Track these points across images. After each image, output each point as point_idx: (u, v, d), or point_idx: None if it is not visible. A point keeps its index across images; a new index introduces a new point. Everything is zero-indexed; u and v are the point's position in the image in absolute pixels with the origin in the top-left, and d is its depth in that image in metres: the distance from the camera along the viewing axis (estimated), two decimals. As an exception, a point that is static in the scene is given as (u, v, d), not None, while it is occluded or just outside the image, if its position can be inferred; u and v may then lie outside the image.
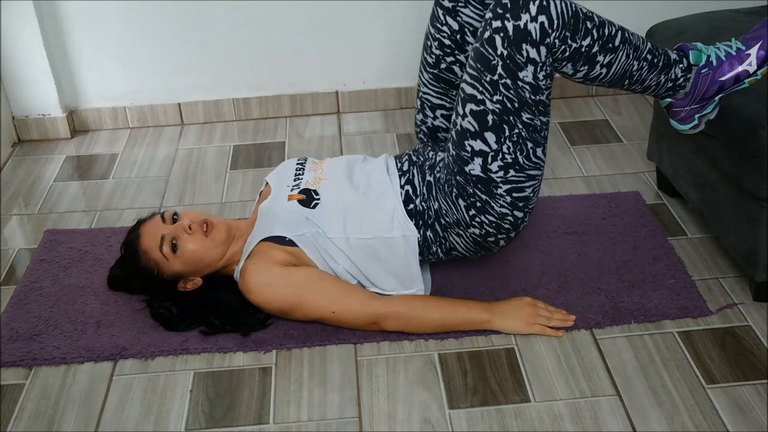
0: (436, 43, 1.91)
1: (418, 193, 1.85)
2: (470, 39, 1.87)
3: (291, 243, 1.80)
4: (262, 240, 1.81)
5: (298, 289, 1.79)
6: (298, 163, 2.00)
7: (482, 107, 1.67)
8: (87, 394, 1.75)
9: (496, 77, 1.64)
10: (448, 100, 1.95)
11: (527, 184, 1.74)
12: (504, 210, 1.75)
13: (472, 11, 1.85)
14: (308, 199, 1.87)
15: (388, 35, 2.81)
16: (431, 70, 1.95)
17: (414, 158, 1.93)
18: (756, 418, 1.61)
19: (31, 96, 2.76)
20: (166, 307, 1.90)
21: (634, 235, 2.13)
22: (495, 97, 1.65)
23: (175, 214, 1.89)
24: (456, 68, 1.91)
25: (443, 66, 1.92)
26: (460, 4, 1.87)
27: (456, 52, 1.89)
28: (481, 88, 1.66)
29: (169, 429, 1.66)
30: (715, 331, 1.83)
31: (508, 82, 1.63)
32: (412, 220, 1.83)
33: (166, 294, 1.90)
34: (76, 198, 2.48)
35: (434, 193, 1.83)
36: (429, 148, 1.97)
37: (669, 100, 1.82)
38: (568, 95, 2.93)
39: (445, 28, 1.89)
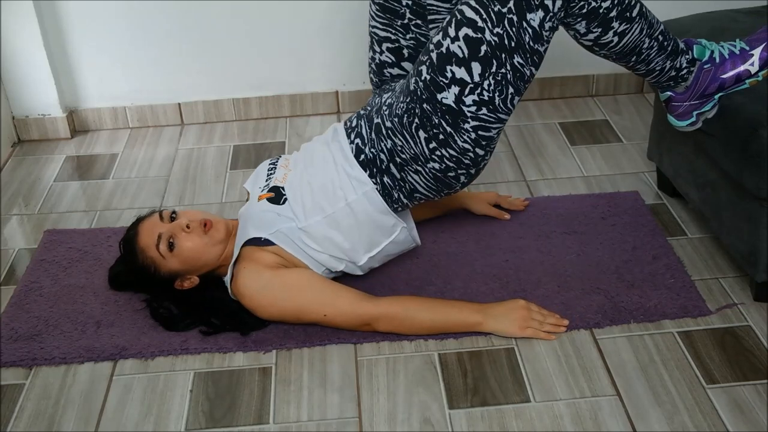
0: None
1: (366, 140, 1.81)
2: None
3: (268, 242, 1.80)
4: (243, 246, 1.82)
5: (289, 293, 1.79)
6: (270, 164, 2.01)
7: (479, 35, 1.61)
8: (87, 394, 1.75)
9: (504, 9, 1.59)
10: (393, 31, 1.89)
11: (495, 125, 1.71)
12: (466, 146, 1.72)
13: None
14: (277, 196, 1.87)
15: (388, 35, 2.81)
16: (378, 1, 1.89)
17: (362, 112, 1.89)
18: (756, 418, 1.61)
19: (31, 96, 2.76)
20: (166, 307, 1.90)
21: (633, 235, 2.13)
22: (496, 30, 1.60)
23: (174, 212, 1.89)
24: None
25: None
26: None
27: None
28: (484, 15, 1.60)
29: (169, 429, 1.66)
30: (715, 331, 1.83)
31: (514, 18, 1.59)
32: (366, 171, 1.80)
33: (164, 292, 1.90)
34: (76, 198, 2.48)
35: (384, 133, 1.78)
36: (376, 95, 1.93)
37: (669, 93, 1.82)
38: (568, 95, 2.93)
39: None
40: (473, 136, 1.70)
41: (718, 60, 1.75)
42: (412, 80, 1.72)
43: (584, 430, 1.60)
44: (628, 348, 1.79)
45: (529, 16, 1.59)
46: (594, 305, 1.90)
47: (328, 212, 1.81)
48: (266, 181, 1.94)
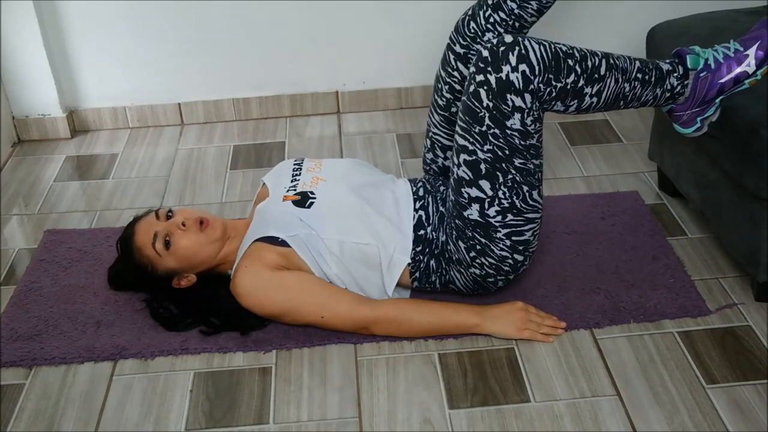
0: (446, 87, 1.94)
1: (431, 221, 1.85)
2: None
3: (284, 243, 1.80)
4: (256, 240, 1.82)
5: (288, 294, 1.78)
6: (295, 164, 2.00)
7: (474, 157, 1.69)
8: (87, 394, 1.75)
9: (484, 128, 1.65)
10: None
11: (526, 227, 1.75)
12: (504, 253, 1.77)
13: None
14: (303, 199, 1.86)
15: (388, 35, 2.81)
16: (442, 113, 1.97)
17: (428, 187, 1.94)
18: (756, 418, 1.61)
19: (31, 96, 2.76)
20: (166, 307, 1.90)
21: (633, 235, 2.13)
22: (485, 147, 1.67)
23: (170, 211, 1.89)
24: None
25: (454, 110, 1.94)
26: (471, 51, 1.89)
27: None
28: (471, 139, 1.68)
29: (169, 429, 1.66)
30: (715, 331, 1.83)
31: (497, 131, 1.65)
32: (419, 246, 1.83)
33: (162, 291, 1.90)
34: (76, 198, 2.48)
35: (444, 226, 1.84)
36: (439, 181, 1.98)
37: (670, 105, 1.82)
38: (568, 95, 2.92)
39: (456, 73, 1.92)
40: (508, 243, 1.75)
41: (713, 66, 1.74)
42: (447, 199, 1.81)
43: (584, 430, 1.60)
44: (628, 348, 1.79)
45: (508, 123, 1.64)
46: (594, 305, 1.90)
47: (358, 240, 1.81)
48: (292, 181, 1.93)
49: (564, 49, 1.64)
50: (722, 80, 1.74)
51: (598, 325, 1.85)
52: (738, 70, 1.74)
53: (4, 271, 2.15)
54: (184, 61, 2.80)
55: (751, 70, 1.74)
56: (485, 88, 1.62)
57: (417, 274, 1.85)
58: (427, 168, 2.07)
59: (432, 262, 1.84)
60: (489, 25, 1.90)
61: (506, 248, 1.76)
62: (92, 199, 2.47)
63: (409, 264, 1.83)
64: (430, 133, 2.03)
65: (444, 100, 1.96)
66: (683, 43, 1.94)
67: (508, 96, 1.62)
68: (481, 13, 1.91)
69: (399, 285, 1.87)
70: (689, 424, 1.60)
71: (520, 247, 1.77)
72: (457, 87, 1.92)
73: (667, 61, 1.76)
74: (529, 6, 1.89)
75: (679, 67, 1.74)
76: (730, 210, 1.92)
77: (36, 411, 1.71)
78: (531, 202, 1.73)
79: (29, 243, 2.27)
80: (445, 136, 1.99)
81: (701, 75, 1.74)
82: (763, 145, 1.74)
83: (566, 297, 1.93)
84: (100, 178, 2.59)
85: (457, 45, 1.92)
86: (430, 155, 2.05)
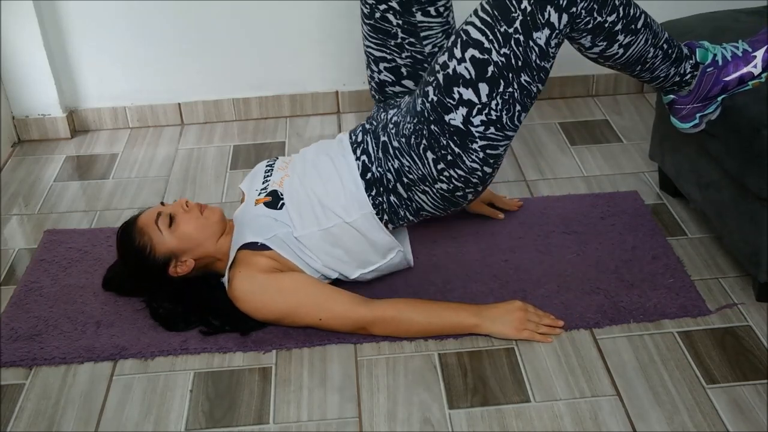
0: None
1: (373, 159, 1.81)
2: None
3: (264, 247, 1.80)
4: (239, 249, 1.82)
5: (284, 297, 1.78)
6: (267, 165, 2.00)
7: (486, 56, 1.61)
8: (87, 394, 1.75)
9: (511, 30, 1.59)
10: (388, 51, 1.91)
11: (502, 143, 1.71)
12: (474, 165, 1.72)
13: None
14: (274, 200, 1.86)
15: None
16: (368, 22, 1.90)
17: (368, 126, 1.89)
18: (756, 418, 1.61)
19: (31, 96, 2.76)
20: (166, 308, 1.90)
21: (633, 235, 2.13)
22: (503, 50, 1.60)
23: (175, 201, 1.91)
24: (390, 16, 1.86)
25: (377, 15, 1.87)
26: None
27: None
28: (491, 36, 1.60)
29: (169, 429, 1.66)
30: (715, 331, 1.83)
31: (521, 38, 1.59)
32: (372, 190, 1.80)
33: (159, 288, 1.89)
34: (76, 198, 2.48)
35: (392, 152, 1.78)
36: (381, 110, 1.94)
37: (672, 96, 1.82)
38: (568, 95, 2.93)
39: None
40: (481, 155, 1.71)
41: (720, 63, 1.74)
42: (419, 101, 1.72)
43: (584, 430, 1.60)
44: (628, 348, 1.79)
45: (535, 35, 1.59)
46: (594, 305, 1.90)
47: (325, 226, 1.81)
48: (263, 183, 1.93)
49: None
50: (727, 78, 1.74)
51: (598, 325, 1.85)
52: (744, 70, 1.74)
53: (4, 271, 2.15)
54: (184, 61, 2.81)
55: (756, 71, 1.74)
56: None
57: (386, 216, 1.83)
58: (370, 88, 2.01)
59: (392, 197, 1.81)
60: None
61: (478, 160, 1.71)
62: (92, 199, 2.47)
63: (372, 212, 1.81)
64: (364, 47, 1.96)
65: (368, 7, 1.88)
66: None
67: (549, 7, 1.56)
68: None
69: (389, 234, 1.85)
70: (689, 424, 1.60)
71: (491, 161, 1.73)
72: None
73: (685, 44, 1.76)
74: None
75: (693, 56, 1.74)
76: (732, 210, 1.92)
77: (36, 411, 1.71)
78: (516, 122, 1.70)
79: (29, 243, 2.27)
80: (375, 47, 1.92)
81: (708, 70, 1.74)
82: (764, 145, 1.74)
83: (566, 297, 1.93)
84: (100, 178, 2.59)
85: None
86: (368, 71, 1.99)
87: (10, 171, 2.65)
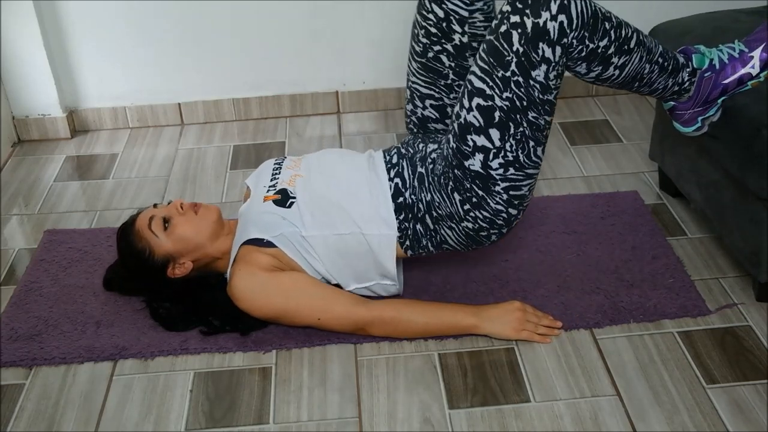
0: (422, 32, 1.89)
1: (408, 185, 1.82)
2: (456, 27, 1.85)
3: (270, 244, 1.80)
4: (242, 244, 1.82)
5: (284, 296, 1.78)
6: (275, 163, 2.00)
7: (490, 103, 1.64)
8: (87, 394, 1.75)
9: (508, 74, 1.60)
10: (437, 89, 1.93)
11: (525, 182, 1.73)
12: (499, 207, 1.74)
13: None
14: (284, 198, 1.86)
15: (387, 35, 2.81)
16: (419, 59, 1.93)
17: (403, 151, 1.91)
18: (756, 418, 1.61)
19: (31, 96, 2.76)
20: (166, 308, 1.90)
21: (632, 235, 2.13)
22: (505, 94, 1.62)
23: (169, 202, 1.91)
24: (443, 57, 1.89)
25: (430, 55, 1.90)
26: None
27: (442, 40, 1.87)
28: (491, 83, 1.62)
29: (169, 429, 1.66)
30: (715, 331, 1.83)
31: (520, 79, 1.61)
32: (401, 214, 1.81)
33: (157, 288, 1.89)
34: (76, 198, 2.48)
35: (426, 185, 1.80)
36: (419, 139, 1.95)
37: (672, 103, 1.81)
38: (568, 95, 2.93)
39: (431, 16, 1.86)
40: (505, 197, 1.73)
41: (717, 66, 1.74)
42: (445, 147, 1.76)
43: (584, 430, 1.60)
44: (628, 348, 1.79)
45: (533, 73, 1.60)
46: (594, 305, 1.90)
47: (339, 232, 1.80)
48: (272, 181, 1.93)
49: (603, 10, 1.61)
50: (726, 81, 1.74)
51: (598, 325, 1.85)
52: (742, 71, 1.74)
53: (4, 271, 2.15)
54: (184, 61, 2.81)
55: (755, 71, 1.74)
56: (519, 30, 1.57)
57: (407, 243, 1.83)
58: (408, 121, 2.03)
59: (418, 226, 1.81)
60: None
61: (502, 202, 1.73)
62: (92, 199, 2.47)
63: (397, 236, 1.81)
64: (409, 83, 1.98)
65: (420, 45, 1.90)
66: (685, 43, 1.94)
67: (541, 44, 1.57)
68: None
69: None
70: (689, 424, 1.60)
71: (516, 202, 1.74)
72: (433, 30, 1.87)
73: (680, 50, 1.76)
74: None
75: (689, 63, 1.74)
76: (732, 210, 1.92)
77: (36, 411, 1.71)
78: (534, 158, 1.71)
79: (29, 243, 2.27)
80: (423, 85, 1.94)
81: (705, 75, 1.74)
82: (764, 146, 1.74)
83: (566, 297, 1.93)
84: (100, 178, 2.59)
85: None
86: (410, 106, 2.00)
87: (10, 171, 2.65)
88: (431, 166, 1.81)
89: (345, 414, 1.67)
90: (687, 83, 1.75)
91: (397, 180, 1.84)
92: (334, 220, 1.80)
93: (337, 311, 1.79)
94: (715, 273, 2.00)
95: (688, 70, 1.74)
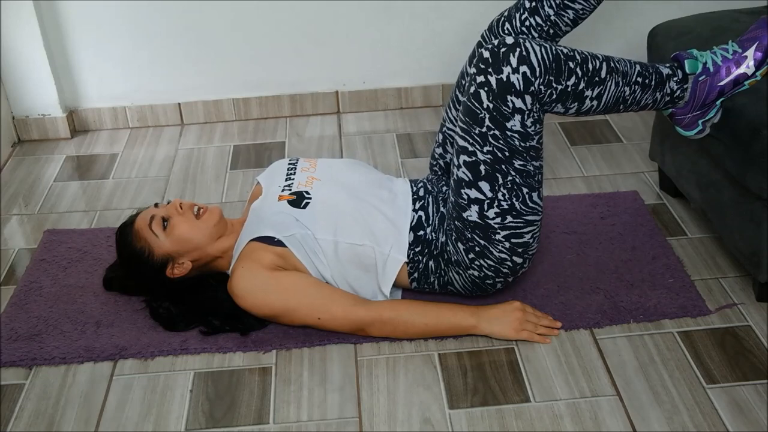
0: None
1: (431, 222, 1.85)
2: None
3: (280, 243, 1.80)
4: (251, 240, 1.82)
5: (284, 295, 1.78)
6: (289, 164, 2.00)
7: (474, 158, 1.69)
8: (87, 394, 1.75)
9: (484, 129, 1.65)
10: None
11: (525, 229, 1.75)
12: (503, 255, 1.76)
13: None
14: (299, 199, 1.86)
15: (388, 35, 2.81)
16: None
17: (429, 187, 1.94)
18: (756, 418, 1.61)
19: (31, 96, 2.76)
20: (166, 308, 1.90)
21: (632, 235, 2.13)
22: (485, 148, 1.67)
23: (169, 202, 1.91)
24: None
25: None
26: None
27: None
28: (471, 140, 1.68)
29: (169, 429, 1.66)
30: (715, 331, 1.83)
31: (497, 133, 1.65)
32: (418, 246, 1.83)
33: (157, 287, 1.89)
34: (76, 198, 2.48)
35: (444, 227, 1.83)
36: (443, 182, 1.98)
37: (671, 109, 1.82)
38: (568, 95, 2.92)
39: None
40: (507, 245, 1.75)
41: (712, 69, 1.74)
42: (448, 200, 1.80)
43: (584, 430, 1.60)
44: (628, 348, 1.79)
45: (508, 124, 1.64)
46: (594, 305, 1.90)
47: (353, 241, 1.81)
48: (287, 181, 1.93)
49: (565, 51, 1.64)
50: (722, 83, 1.74)
51: (598, 325, 1.85)
52: (737, 72, 1.74)
53: (4, 271, 2.15)
54: (184, 61, 2.80)
55: (750, 71, 1.73)
56: (485, 89, 1.62)
57: (416, 275, 1.85)
58: (434, 163, 2.07)
59: (431, 263, 1.84)
60: (524, 29, 1.90)
61: (505, 250, 1.76)
62: (92, 199, 2.47)
63: (407, 263, 1.83)
64: (444, 128, 2.02)
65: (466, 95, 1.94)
66: (684, 44, 1.95)
67: (509, 97, 1.61)
68: (518, 15, 1.91)
69: (395, 285, 1.86)
70: (689, 424, 1.60)
71: (519, 250, 1.77)
72: None
73: (668, 65, 1.76)
74: (566, 15, 1.89)
75: (679, 71, 1.74)
76: (732, 210, 1.92)
77: (36, 411, 1.71)
78: (531, 204, 1.73)
79: (29, 243, 2.27)
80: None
81: (700, 79, 1.74)
82: (764, 145, 1.74)
83: (566, 297, 1.93)
84: (100, 178, 2.59)
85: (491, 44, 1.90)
86: (439, 150, 2.04)
87: (10, 171, 2.65)
88: (447, 213, 1.83)
89: (345, 414, 1.67)
90: (678, 91, 1.75)
91: (420, 213, 1.86)
92: (349, 228, 1.81)
93: (337, 311, 1.79)
94: (715, 273, 2.00)
95: (675, 79, 1.74)
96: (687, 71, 1.74)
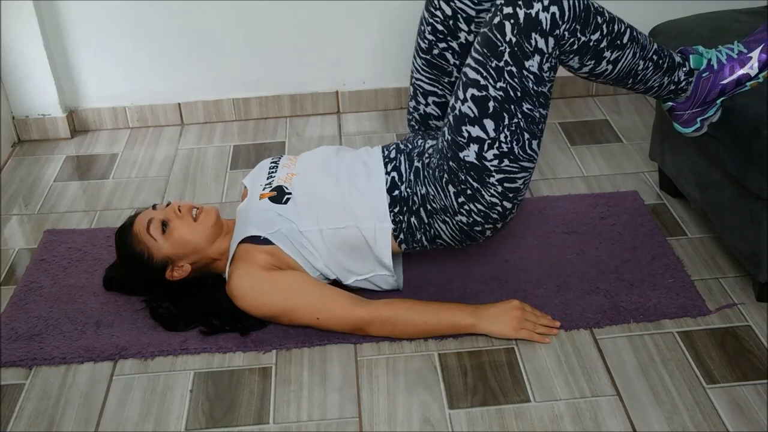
0: (429, 28, 1.90)
1: (404, 179, 1.83)
2: (462, 26, 1.86)
3: (267, 241, 1.80)
4: (241, 242, 1.82)
5: (282, 295, 1.78)
6: (272, 162, 2.00)
7: (484, 93, 1.65)
8: (87, 394, 1.75)
9: (502, 64, 1.62)
10: (440, 87, 1.94)
11: (519, 175, 1.73)
12: (494, 199, 1.75)
13: None
14: (279, 195, 1.86)
15: (387, 35, 2.81)
16: (424, 56, 1.93)
17: (402, 146, 1.92)
18: (756, 418, 1.61)
19: (31, 96, 2.76)
20: (166, 308, 1.90)
21: (632, 235, 2.13)
22: (498, 84, 1.64)
23: (168, 203, 1.90)
24: (448, 54, 1.90)
25: (435, 52, 1.91)
26: None
27: (448, 38, 1.88)
28: (485, 74, 1.65)
29: (169, 429, 1.66)
30: (715, 331, 1.83)
31: (514, 69, 1.62)
32: (396, 207, 1.81)
33: (157, 288, 1.89)
34: (76, 198, 2.48)
35: (421, 178, 1.81)
36: (419, 136, 1.96)
37: (671, 103, 1.82)
38: (568, 95, 2.93)
39: (438, 13, 1.87)
40: (500, 189, 1.73)
41: (716, 67, 1.74)
42: (440, 140, 1.77)
43: (584, 430, 1.60)
44: (628, 348, 1.79)
45: (527, 63, 1.62)
46: (594, 305, 1.90)
47: (336, 225, 1.81)
48: (268, 179, 1.93)
49: (596, 5, 1.63)
50: (724, 81, 1.74)
51: (598, 325, 1.85)
52: (741, 72, 1.74)
53: (4, 271, 2.15)
54: (184, 61, 2.81)
55: (753, 72, 1.74)
56: (512, 21, 1.59)
57: (401, 236, 1.83)
58: (410, 118, 2.04)
59: (413, 219, 1.82)
60: None
61: (497, 194, 1.74)
62: (92, 199, 2.47)
63: (392, 227, 1.82)
64: (413, 79, 2.00)
65: (426, 42, 1.91)
66: (684, 44, 1.95)
67: (533, 35, 1.59)
68: None
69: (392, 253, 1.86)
70: (689, 424, 1.60)
71: (510, 195, 1.75)
72: (439, 27, 1.88)
73: (677, 53, 1.76)
74: None
75: (686, 63, 1.75)
76: (732, 210, 1.92)
77: (36, 411, 1.71)
78: (529, 151, 1.71)
79: (29, 243, 2.27)
80: (427, 81, 1.95)
81: (704, 75, 1.74)
82: (764, 145, 1.74)
83: (566, 297, 1.93)
84: (100, 178, 2.59)
85: None
86: (412, 103, 2.02)
87: (10, 171, 2.65)
88: (427, 161, 1.82)
89: (345, 414, 1.67)
90: (684, 83, 1.75)
91: (393, 174, 1.84)
92: (330, 214, 1.81)
93: (336, 311, 1.79)
94: (715, 273, 2.00)
95: (684, 69, 1.74)
96: (692, 66, 1.74)
